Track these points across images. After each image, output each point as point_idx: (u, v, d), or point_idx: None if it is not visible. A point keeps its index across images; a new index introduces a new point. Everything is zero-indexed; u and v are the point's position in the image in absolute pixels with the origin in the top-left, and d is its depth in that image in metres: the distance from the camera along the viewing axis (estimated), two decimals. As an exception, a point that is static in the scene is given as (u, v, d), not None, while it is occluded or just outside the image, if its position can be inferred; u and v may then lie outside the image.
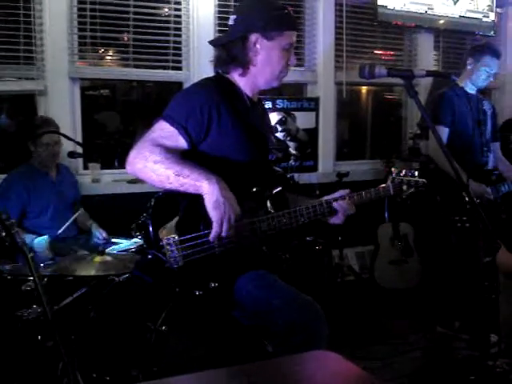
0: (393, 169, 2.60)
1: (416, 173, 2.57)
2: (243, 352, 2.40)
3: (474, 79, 4.06)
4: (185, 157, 2.19)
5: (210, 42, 2.48)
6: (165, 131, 2.19)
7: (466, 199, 3.67)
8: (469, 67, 4.05)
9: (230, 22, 2.37)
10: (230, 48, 2.35)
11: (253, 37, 2.30)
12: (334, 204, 2.39)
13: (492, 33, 5.96)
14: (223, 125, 2.25)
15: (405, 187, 2.54)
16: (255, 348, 2.38)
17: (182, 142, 2.20)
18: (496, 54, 4.03)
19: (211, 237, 2.11)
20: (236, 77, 2.38)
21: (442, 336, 4.01)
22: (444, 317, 4.10)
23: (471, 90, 4.12)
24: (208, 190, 2.07)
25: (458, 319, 4.12)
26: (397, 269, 4.79)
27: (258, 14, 2.32)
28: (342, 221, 2.42)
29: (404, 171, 2.56)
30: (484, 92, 6.04)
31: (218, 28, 4.58)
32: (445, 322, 4.07)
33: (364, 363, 3.49)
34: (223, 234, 2.10)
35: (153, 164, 2.11)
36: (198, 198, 2.10)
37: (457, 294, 4.07)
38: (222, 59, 2.39)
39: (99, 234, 3.62)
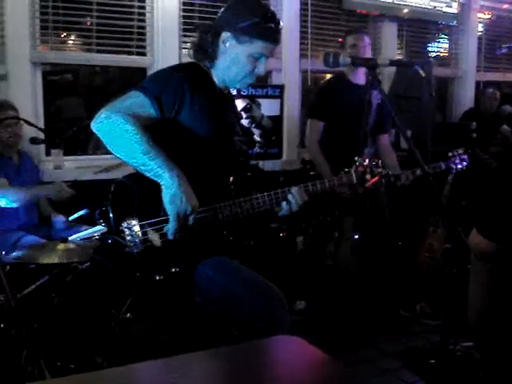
0: (356, 158, 2.57)
1: (380, 162, 2.58)
2: (207, 337, 2.42)
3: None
4: (154, 132, 2.17)
5: (196, 26, 2.53)
6: (138, 100, 2.18)
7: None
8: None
9: (219, 14, 2.38)
10: (203, 39, 2.36)
11: (224, 35, 2.30)
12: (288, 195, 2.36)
13: (455, 22, 6.05)
14: (194, 108, 2.25)
15: (368, 176, 2.53)
16: (219, 333, 2.40)
17: (153, 114, 2.19)
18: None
19: (169, 232, 2.11)
20: (208, 67, 2.39)
21: (405, 320, 4.10)
22: (406, 301, 4.19)
23: (359, 80, 4.07)
24: (167, 181, 2.06)
25: (419, 303, 4.24)
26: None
27: (238, 14, 2.30)
28: (289, 211, 2.38)
29: (367, 160, 2.55)
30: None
31: (182, 13, 4.55)
32: (407, 306, 4.17)
33: (328, 348, 3.53)
34: (179, 229, 2.09)
35: (124, 132, 2.09)
36: (157, 184, 2.09)
37: (416, 280, 4.18)
38: (194, 47, 2.40)
39: (59, 220, 3.59)
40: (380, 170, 2.56)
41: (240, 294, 2.18)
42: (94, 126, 2.16)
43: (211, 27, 2.37)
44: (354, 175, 2.52)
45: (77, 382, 1.15)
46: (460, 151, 3.92)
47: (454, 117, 6.32)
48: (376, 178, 2.55)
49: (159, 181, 2.08)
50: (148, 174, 2.10)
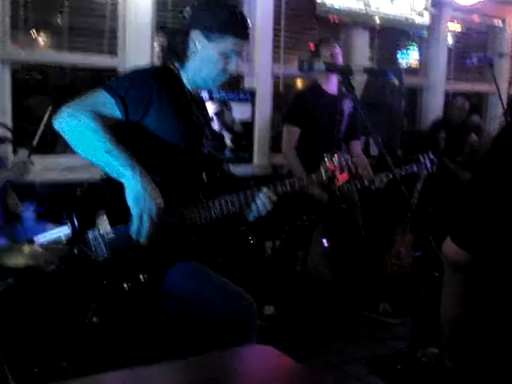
0: (325, 154, 2.52)
1: (349, 157, 2.55)
2: (176, 342, 2.39)
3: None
4: (119, 135, 2.14)
5: (161, 29, 2.50)
6: (102, 98, 2.15)
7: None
8: None
9: (185, 14, 2.36)
10: (173, 40, 2.35)
11: (194, 34, 2.29)
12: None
13: (426, 33, 6.12)
14: (162, 111, 2.23)
15: (337, 173, 2.51)
16: (188, 340, 2.38)
17: (117, 114, 2.16)
18: None
19: (132, 232, 2.07)
20: (178, 69, 2.37)
21: (368, 321, 4.18)
22: (368, 301, 4.27)
23: (332, 89, 4.14)
24: (130, 181, 2.03)
25: (382, 302, 4.34)
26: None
27: (206, 12, 2.30)
28: (258, 214, 2.37)
29: (336, 156, 2.51)
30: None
31: (155, 13, 4.51)
32: (369, 306, 4.27)
33: (296, 354, 3.52)
34: (144, 229, 2.06)
35: (85, 129, 2.05)
36: (123, 191, 2.06)
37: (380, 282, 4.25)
38: (164, 49, 2.39)
39: (29, 212, 3.53)
40: (349, 165, 2.53)
41: (209, 300, 2.17)
42: (56, 123, 2.12)
43: (180, 28, 2.36)
44: (323, 173, 2.51)
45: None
46: (430, 155, 3.99)
47: (422, 126, 6.38)
48: (345, 174, 2.52)
49: (122, 180, 2.05)
50: (111, 174, 2.08)
